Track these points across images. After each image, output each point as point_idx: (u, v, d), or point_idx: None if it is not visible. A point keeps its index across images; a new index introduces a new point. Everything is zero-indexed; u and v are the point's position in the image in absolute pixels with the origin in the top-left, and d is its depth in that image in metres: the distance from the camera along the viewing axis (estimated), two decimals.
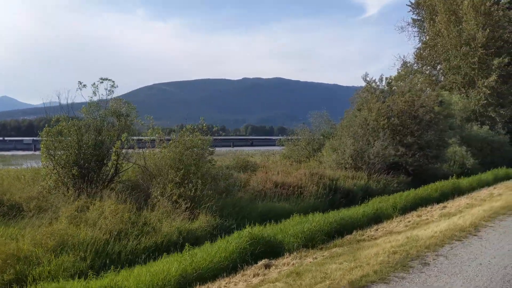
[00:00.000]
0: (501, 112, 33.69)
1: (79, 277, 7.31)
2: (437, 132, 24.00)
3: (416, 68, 38.94)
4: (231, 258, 7.47)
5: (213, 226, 10.69)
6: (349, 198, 16.26)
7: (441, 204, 12.32)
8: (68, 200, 11.30)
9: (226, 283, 6.39)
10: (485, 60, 34.14)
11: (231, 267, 7.50)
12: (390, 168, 22.07)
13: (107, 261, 8.49)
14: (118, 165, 13.06)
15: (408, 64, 38.97)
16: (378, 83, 24.92)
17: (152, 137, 12.20)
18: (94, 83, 13.20)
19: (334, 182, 16.77)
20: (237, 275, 6.75)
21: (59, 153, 12.66)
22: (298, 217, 9.53)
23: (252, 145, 70.46)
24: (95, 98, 13.05)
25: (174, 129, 12.31)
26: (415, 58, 38.96)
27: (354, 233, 8.80)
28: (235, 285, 6.18)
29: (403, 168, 22.52)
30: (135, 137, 13.42)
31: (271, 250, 7.74)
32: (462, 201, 12.27)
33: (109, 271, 7.77)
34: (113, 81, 13.58)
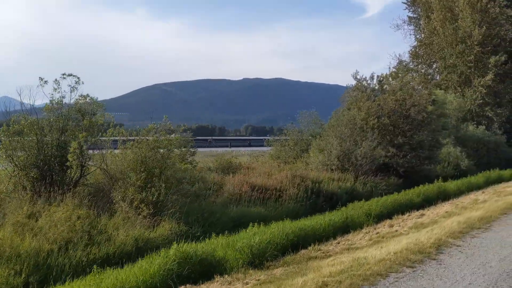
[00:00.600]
0: (498, 111, 32.79)
1: None
2: (430, 132, 23.16)
3: (411, 67, 38.08)
4: (150, 284, 6.16)
5: (176, 234, 9.88)
6: (333, 201, 15.44)
7: (421, 211, 11.36)
8: (22, 205, 10.49)
9: None
10: (481, 59, 33.26)
11: None
12: (380, 169, 21.23)
13: (48, 275, 7.69)
14: (84, 167, 12.27)
15: (404, 63, 38.08)
16: (369, 81, 24.10)
17: (112, 138, 11.35)
18: (56, 79, 12.39)
19: (317, 184, 15.95)
20: None
21: (19, 154, 11.88)
22: (257, 227, 8.61)
23: (250, 145, 69.60)
24: (57, 96, 12.22)
25: (138, 129, 11.45)
26: (410, 57, 38.11)
27: (310, 247, 7.72)
28: None
29: (394, 170, 21.70)
30: (103, 138, 12.55)
31: (208, 271, 6.58)
32: (443, 208, 11.33)
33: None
34: (78, 77, 12.74)
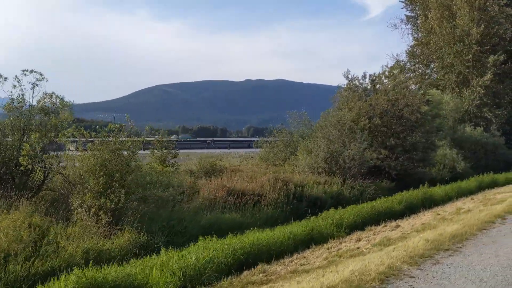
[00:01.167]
0: (497, 112, 31.83)
1: None
2: (424, 133, 22.30)
3: (409, 66, 37.21)
4: None
5: (135, 245, 9.07)
6: (317, 207, 14.61)
7: (398, 222, 10.32)
8: None
9: None
10: (479, 58, 32.33)
11: None
12: (372, 172, 20.40)
13: None
14: (48, 171, 11.50)
15: (401, 63, 37.19)
16: (361, 80, 23.25)
17: (70, 139, 10.53)
18: (16, 76, 11.60)
19: (300, 189, 15.13)
20: None
21: None
22: (209, 239, 7.70)
23: (249, 147, 68.70)
24: (16, 93, 11.43)
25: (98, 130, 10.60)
26: (407, 56, 37.21)
27: (258, 267, 6.56)
28: None
29: (386, 173, 20.85)
30: (65, 138, 11.71)
31: None
32: (423, 218, 10.25)
33: None
34: (41, 74, 11.94)
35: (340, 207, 13.13)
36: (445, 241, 6.60)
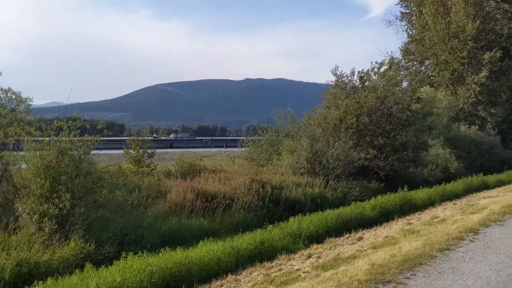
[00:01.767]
0: (492, 111, 30.85)
1: None
2: (415, 132, 21.40)
3: (403, 64, 36.26)
4: None
5: (80, 257, 8.21)
6: (295, 210, 13.72)
7: (363, 233, 9.07)
8: None
9: None
10: (475, 55, 31.35)
11: None
12: (360, 173, 19.52)
13: None
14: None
15: (396, 61, 36.25)
16: (349, 77, 22.32)
17: (15, 138, 9.64)
18: None
19: (278, 191, 14.24)
20: None
21: None
22: (132, 258, 6.63)
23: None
24: None
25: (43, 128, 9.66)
26: (401, 53, 36.21)
27: None
28: None
29: (375, 174, 19.96)
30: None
31: None
32: (393, 228, 9.10)
33: None
34: None
35: (325, 208, 12.24)
36: (392, 267, 5.38)
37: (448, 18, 31.53)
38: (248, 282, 5.55)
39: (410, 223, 8.95)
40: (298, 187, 15.02)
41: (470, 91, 30.56)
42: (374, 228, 9.33)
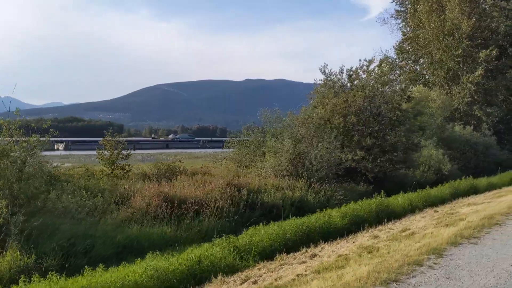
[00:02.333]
0: (488, 110, 29.95)
1: None
2: (405, 132, 20.56)
3: (397, 63, 35.37)
4: None
5: (17, 270, 7.40)
6: (273, 215, 12.89)
7: (319, 248, 7.77)
8: None
9: None
10: (470, 53, 30.45)
11: None
12: (348, 175, 18.69)
13: None
14: None
15: (390, 59, 35.35)
16: (338, 76, 21.49)
17: None
18: None
19: (256, 195, 13.41)
20: None
21: None
22: (56, 277, 5.82)
23: None
24: None
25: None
26: (395, 52, 35.32)
27: None
28: None
29: (363, 176, 19.12)
30: None
31: None
32: (357, 241, 7.95)
33: None
34: None
35: (308, 213, 11.35)
36: None
37: (443, 16, 30.66)
38: None
39: (376, 236, 7.91)
40: (278, 191, 14.19)
41: (465, 91, 29.67)
42: (338, 241, 8.26)
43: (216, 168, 20.49)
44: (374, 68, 20.69)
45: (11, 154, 8.45)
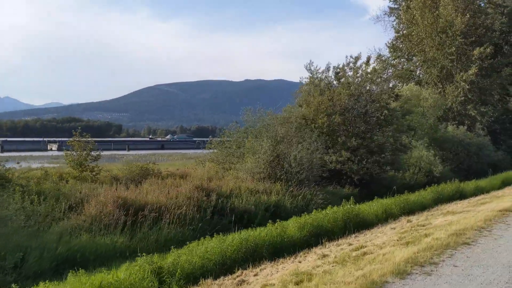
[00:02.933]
0: (482, 110, 28.97)
1: None
2: (393, 132, 19.62)
3: (392, 62, 34.43)
4: None
5: None
6: (244, 221, 11.97)
7: (263, 268, 6.67)
8: None
9: None
10: (464, 51, 29.47)
11: None
12: (333, 178, 17.78)
13: None
14: None
15: (383, 58, 34.38)
16: (324, 73, 20.56)
17: None
18: None
19: (226, 200, 12.48)
20: None
21: None
22: None
23: None
24: None
25: None
26: (388, 49, 34.35)
27: None
28: None
29: (348, 178, 18.22)
30: None
31: None
32: (305, 261, 6.75)
33: None
34: None
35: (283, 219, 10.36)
36: None
37: (437, 12, 29.71)
38: None
39: (325, 256, 6.70)
40: (253, 195, 13.26)
41: (459, 89, 28.69)
42: (282, 260, 7.13)
43: (197, 170, 19.57)
44: (361, 65, 19.72)
45: None
